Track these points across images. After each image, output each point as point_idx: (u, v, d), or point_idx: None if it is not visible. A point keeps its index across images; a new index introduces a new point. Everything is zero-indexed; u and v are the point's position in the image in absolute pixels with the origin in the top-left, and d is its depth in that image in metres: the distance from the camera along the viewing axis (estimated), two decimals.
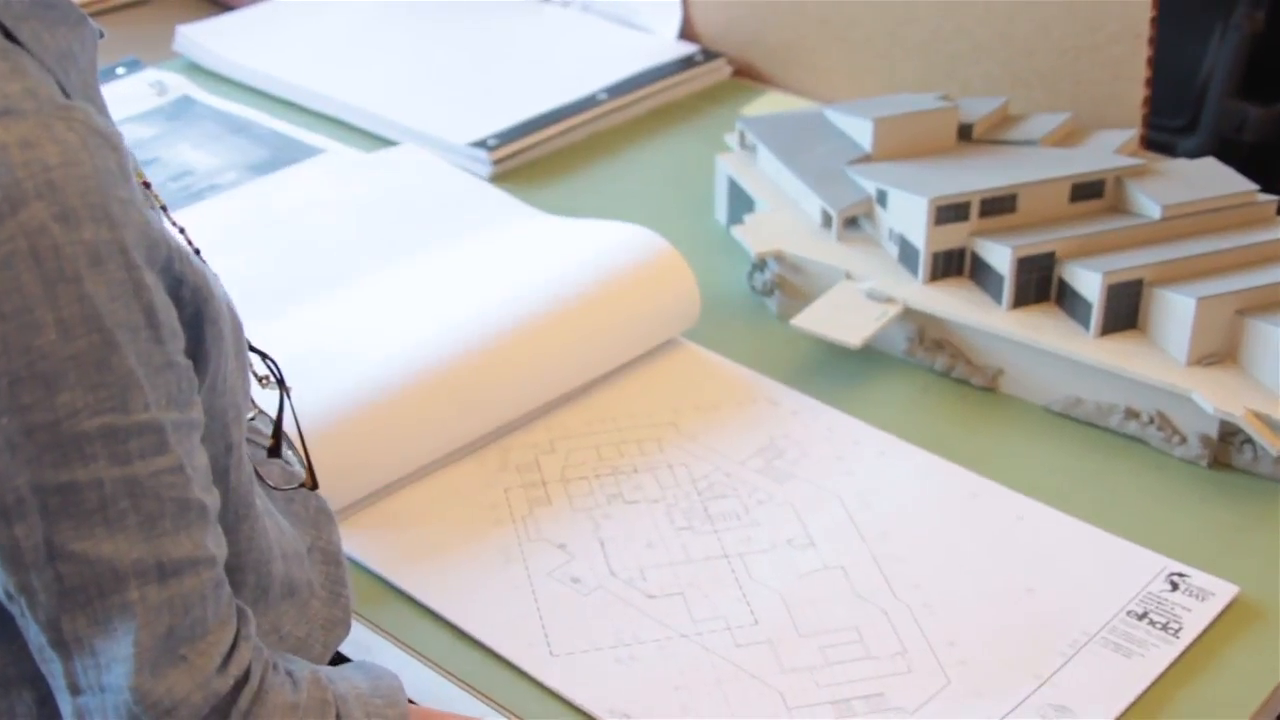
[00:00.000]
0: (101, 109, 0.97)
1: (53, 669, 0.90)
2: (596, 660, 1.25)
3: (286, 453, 1.16)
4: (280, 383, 1.11)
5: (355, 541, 1.37)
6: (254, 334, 1.12)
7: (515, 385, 1.50)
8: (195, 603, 0.90)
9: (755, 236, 1.71)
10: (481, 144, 2.00)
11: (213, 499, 0.93)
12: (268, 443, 1.11)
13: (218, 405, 0.98)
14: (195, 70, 2.25)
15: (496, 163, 1.99)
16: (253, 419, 1.12)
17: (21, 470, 0.83)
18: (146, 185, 0.98)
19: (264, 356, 1.11)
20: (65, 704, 0.90)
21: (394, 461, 1.42)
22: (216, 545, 0.92)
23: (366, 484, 1.41)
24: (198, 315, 0.93)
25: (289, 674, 0.97)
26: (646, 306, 1.60)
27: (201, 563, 0.90)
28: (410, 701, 1.04)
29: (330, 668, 1.03)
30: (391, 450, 1.42)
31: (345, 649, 1.22)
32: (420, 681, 1.25)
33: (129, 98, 2.13)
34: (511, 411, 1.50)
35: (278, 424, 1.10)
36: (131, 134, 2.02)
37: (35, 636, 0.89)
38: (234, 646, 0.92)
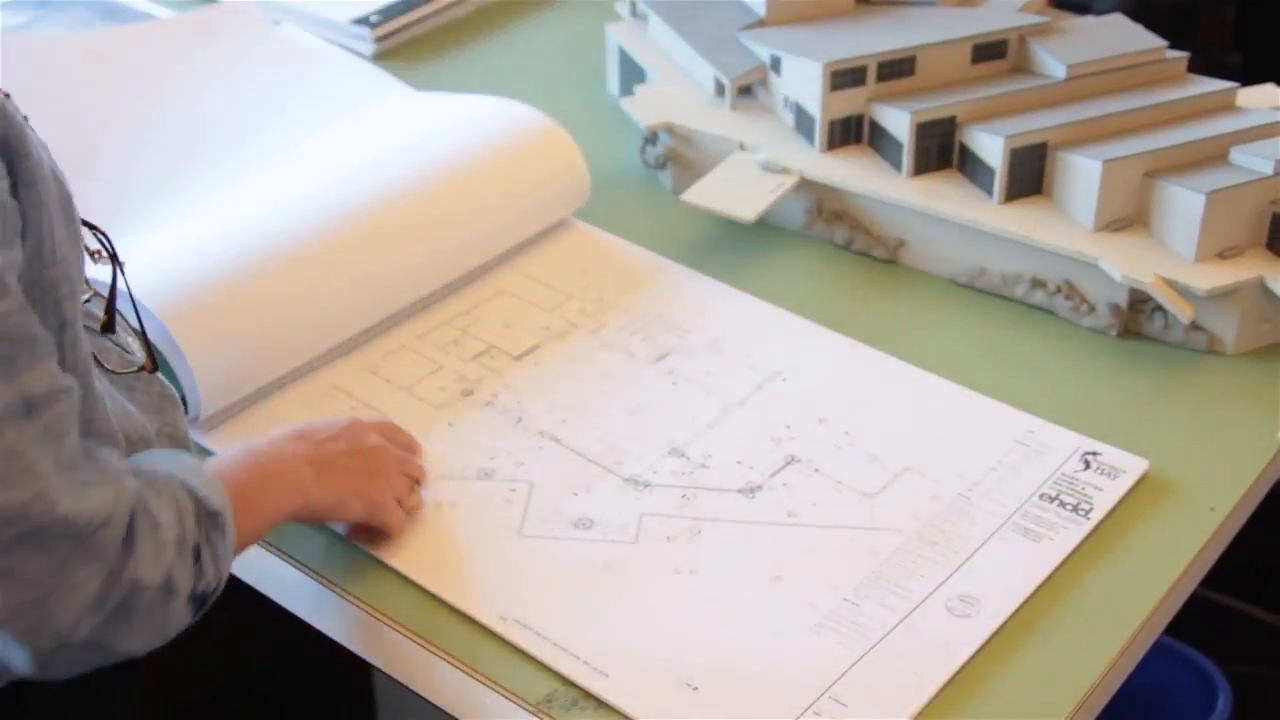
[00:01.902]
0: None
1: None
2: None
3: (126, 338, 1.13)
4: (113, 257, 1.07)
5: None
6: (108, 219, 1.08)
7: (393, 273, 1.43)
8: (69, 429, 0.93)
9: (645, 108, 1.64)
10: (364, 20, 1.92)
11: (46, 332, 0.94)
12: (100, 321, 1.08)
13: (48, 277, 0.95)
14: None
15: (379, 40, 1.92)
16: (88, 301, 1.07)
17: None
18: None
19: (94, 229, 1.07)
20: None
21: (266, 357, 1.35)
22: (66, 376, 0.94)
23: (238, 384, 1.34)
24: (10, 169, 0.92)
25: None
26: (532, 185, 1.53)
27: (62, 391, 0.93)
28: None
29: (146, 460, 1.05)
30: (262, 343, 1.35)
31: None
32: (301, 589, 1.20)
33: None
34: (391, 302, 1.43)
35: (110, 299, 1.07)
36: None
37: None
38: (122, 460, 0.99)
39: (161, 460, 1.05)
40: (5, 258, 0.89)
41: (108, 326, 1.07)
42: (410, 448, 1.28)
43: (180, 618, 1.02)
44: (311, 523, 1.22)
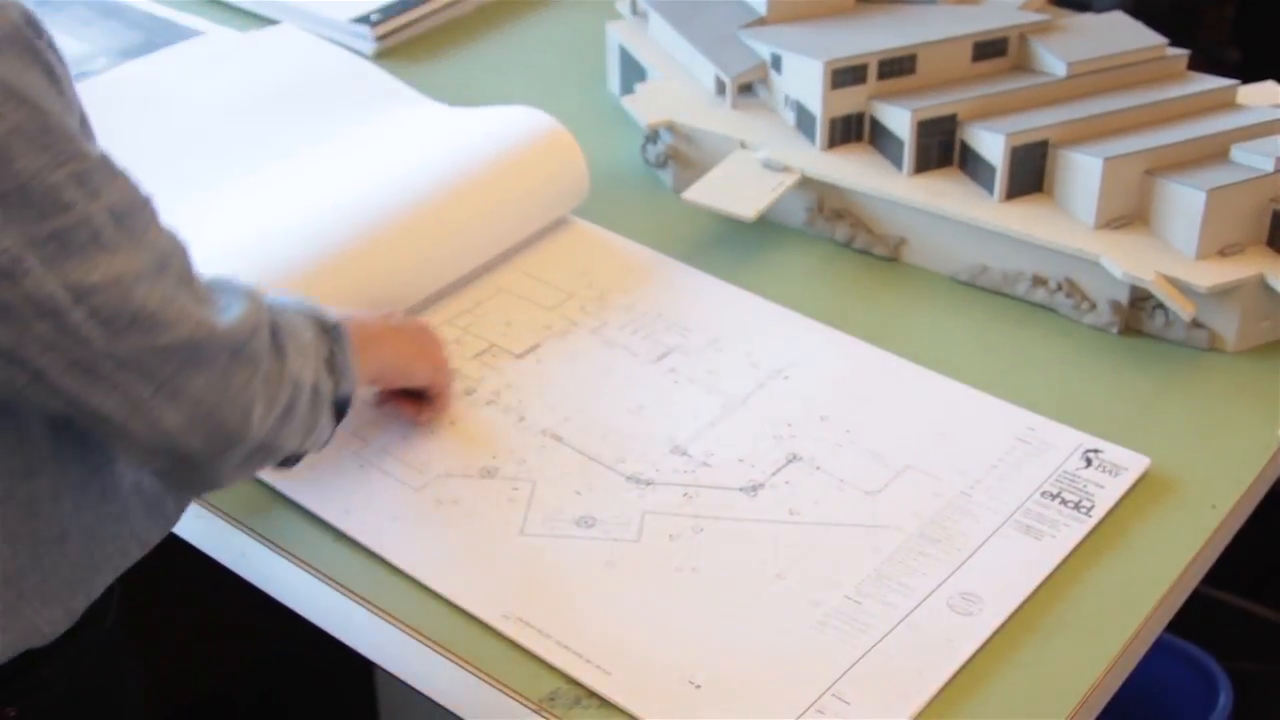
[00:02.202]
0: None
1: (113, 404, 0.96)
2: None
3: None
4: None
5: None
6: None
7: (398, 274, 1.43)
8: (194, 270, 1.00)
9: (646, 107, 1.64)
10: (364, 19, 1.92)
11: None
12: None
13: None
14: None
15: (380, 38, 1.91)
16: None
17: (4, 234, 0.88)
18: None
19: None
20: (142, 421, 0.98)
21: None
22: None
23: None
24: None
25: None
26: (532, 184, 1.53)
27: (179, 241, 1.00)
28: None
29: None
30: None
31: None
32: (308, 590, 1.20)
33: None
34: (395, 302, 1.43)
35: None
36: None
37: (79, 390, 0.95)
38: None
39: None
40: (100, 149, 0.95)
41: None
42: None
43: (327, 424, 1.13)
44: (379, 383, 1.29)
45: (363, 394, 1.27)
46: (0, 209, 0.88)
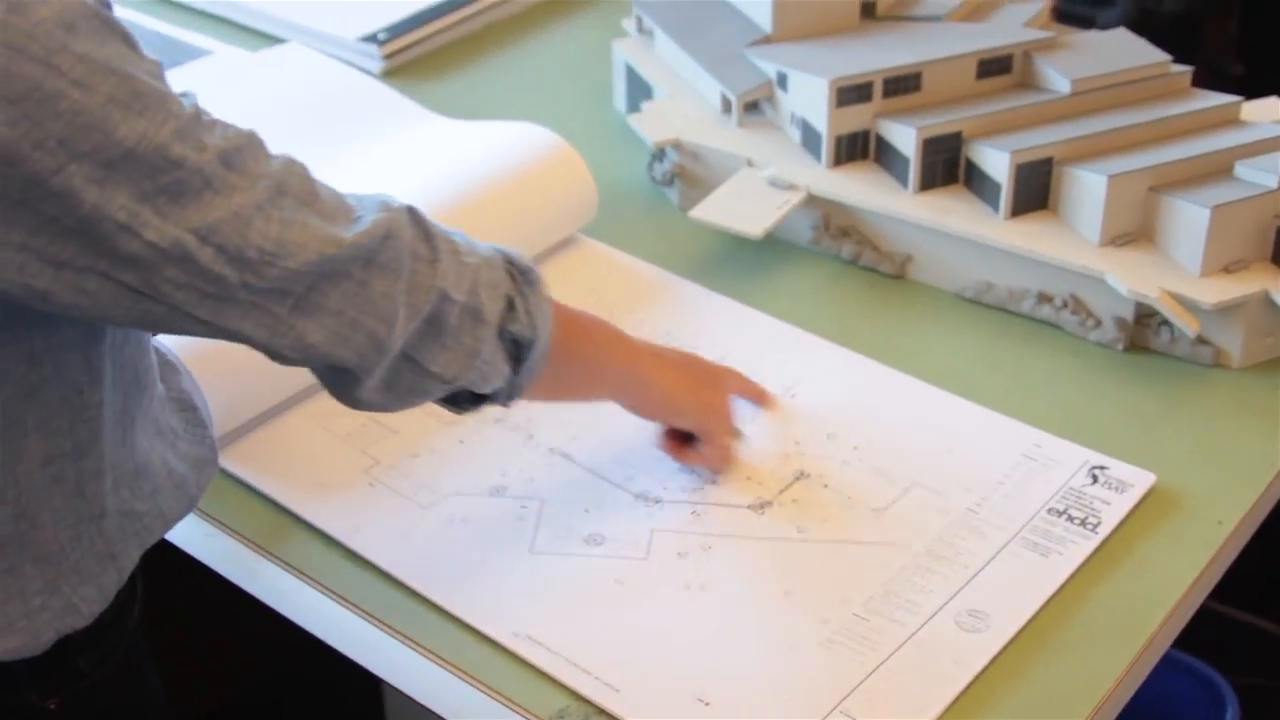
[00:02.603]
0: None
1: (252, 326, 0.98)
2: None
3: None
4: None
5: (243, 467, 1.32)
6: None
7: None
8: (317, 187, 1.00)
9: (653, 125, 1.65)
10: (372, 38, 1.93)
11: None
12: None
13: None
14: None
15: (388, 57, 1.92)
16: None
17: (117, 194, 0.89)
18: None
19: None
20: (320, 328, 1.00)
21: (273, 378, 1.36)
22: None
23: (249, 402, 1.34)
24: None
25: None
26: (541, 203, 1.54)
27: (291, 161, 0.99)
28: None
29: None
30: (272, 377, 1.36)
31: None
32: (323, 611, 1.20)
33: None
34: None
35: None
36: None
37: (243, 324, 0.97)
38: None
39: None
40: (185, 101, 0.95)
41: None
42: (759, 396, 1.36)
43: (493, 352, 1.09)
44: (637, 408, 1.25)
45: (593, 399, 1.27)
46: (111, 173, 0.89)
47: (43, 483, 1.01)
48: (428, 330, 1.05)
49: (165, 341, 1.22)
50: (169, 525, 1.13)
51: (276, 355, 1.02)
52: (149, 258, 0.92)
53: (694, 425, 1.27)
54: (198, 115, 0.94)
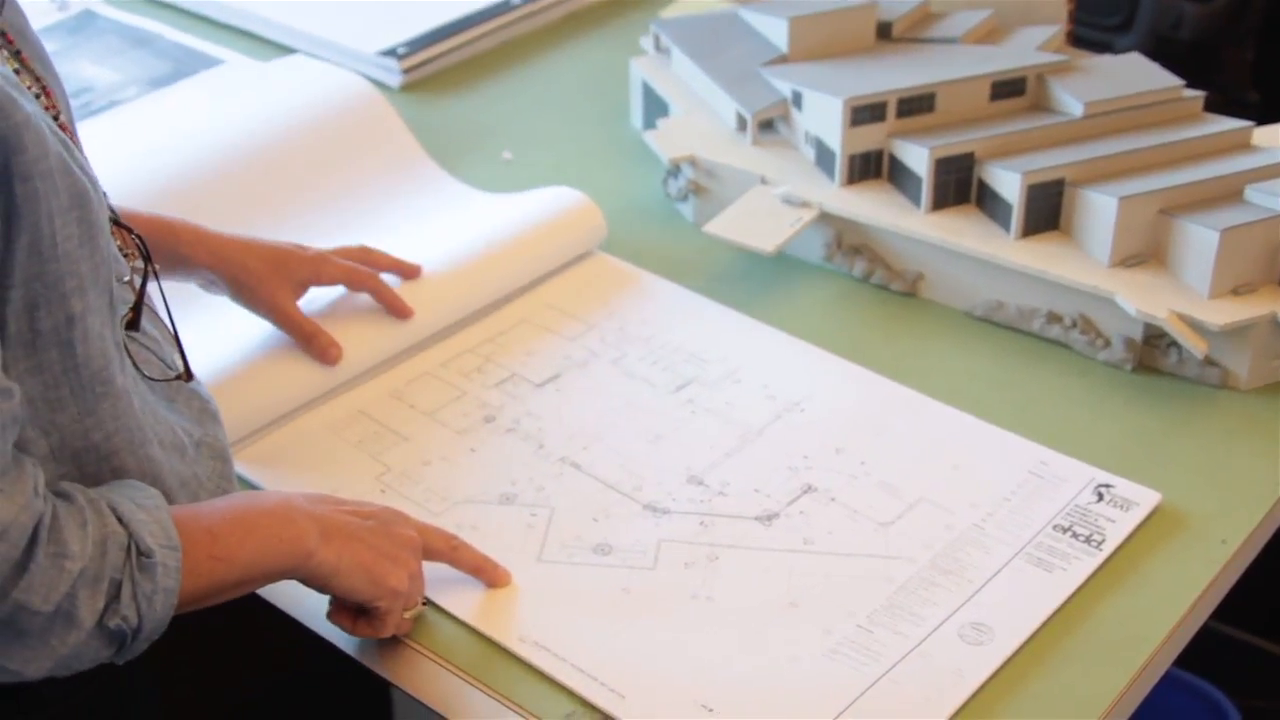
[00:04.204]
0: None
1: None
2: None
3: (171, 352, 1.14)
4: (146, 259, 1.09)
5: (256, 470, 1.34)
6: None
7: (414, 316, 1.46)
8: None
9: (668, 141, 1.66)
10: (391, 52, 1.95)
11: None
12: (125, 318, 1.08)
13: (50, 272, 0.97)
14: None
15: (407, 71, 1.94)
16: (134, 323, 1.08)
17: None
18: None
19: (130, 231, 1.10)
20: None
21: (289, 385, 1.38)
22: (8, 381, 0.95)
23: (269, 411, 1.37)
24: (4, 169, 0.93)
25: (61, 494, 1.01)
26: (549, 235, 1.57)
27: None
28: None
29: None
30: (291, 375, 1.38)
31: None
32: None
33: (29, 13, 2.05)
34: (408, 338, 1.46)
35: (138, 298, 1.08)
36: None
37: None
38: (37, 478, 0.97)
39: (119, 491, 1.04)
40: None
41: (132, 324, 1.08)
42: (440, 548, 1.22)
43: (90, 649, 1.00)
44: (311, 585, 1.14)
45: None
46: None
47: None
48: (4, 632, 0.97)
49: (205, 390, 1.22)
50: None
51: None
52: None
53: (367, 603, 1.16)
54: None
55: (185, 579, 1.03)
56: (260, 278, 1.38)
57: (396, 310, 1.44)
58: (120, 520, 1.01)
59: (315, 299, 1.42)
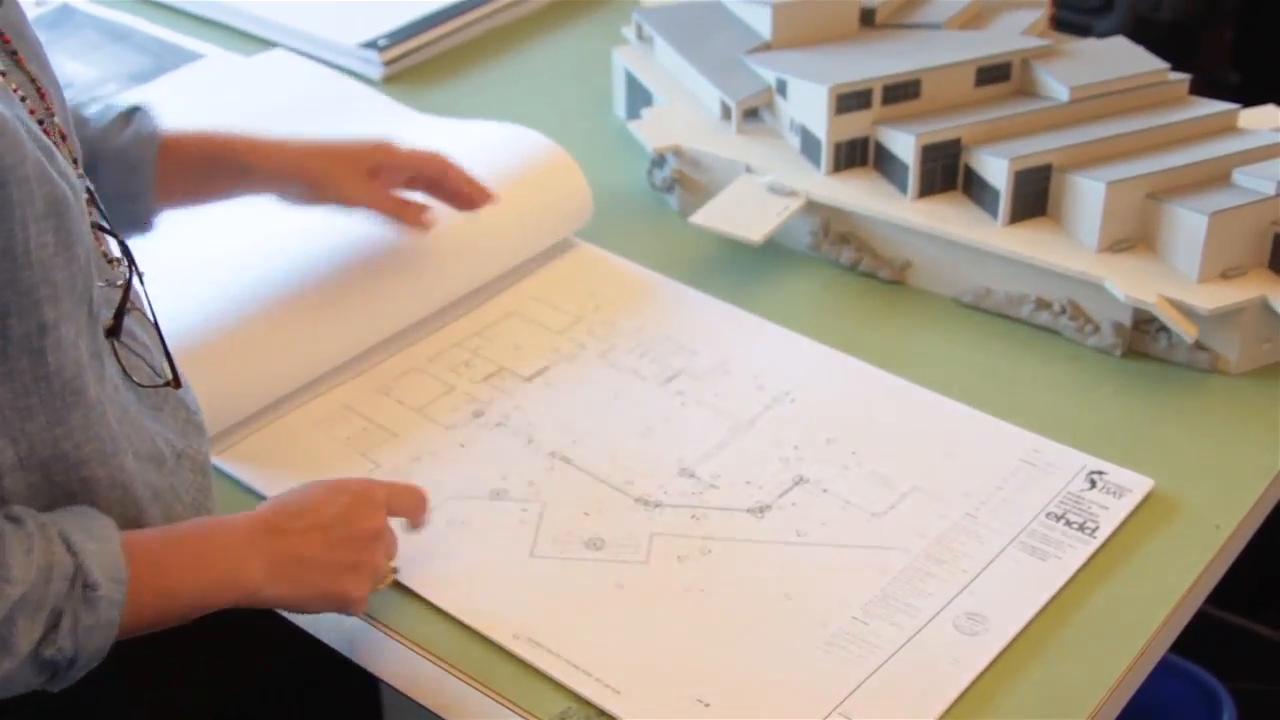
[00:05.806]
0: None
1: None
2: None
3: (160, 359, 1.13)
4: (130, 264, 1.09)
5: (244, 469, 1.33)
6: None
7: (395, 292, 1.44)
8: None
9: (653, 131, 1.65)
10: (372, 44, 1.93)
11: None
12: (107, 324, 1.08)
13: (21, 279, 0.96)
14: None
15: (388, 63, 1.93)
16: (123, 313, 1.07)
17: None
18: None
19: (114, 235, 1.09)
20: None
21: (270, 375, 1.37)
22: None
23: (251, 401, 1.35)
24: None
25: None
26: (534, 204, 1.54)
27: None
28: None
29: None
30: (266, 360, 1.37)
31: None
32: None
33: None
34: (393, 322, 1.44)
35: (121, 304, 1.07)
36: None
37: None
38: None
39: (70, 517, 1.02)
40: None
41: (112, 331, 1.07)
42: (414, 510, 1.23)
43: (21, 676, 0.99)
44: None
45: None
46: None
47: None
48: None
49: (191, 398, 1.20)
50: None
51: None
52: None
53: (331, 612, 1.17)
54: None
55: (128, 611, 1.02)
56: (327, 173, 1.38)
57: (464, 200, 1.44)
58: (70, 549, 0.99)
59: (302, 290, 1.41)
